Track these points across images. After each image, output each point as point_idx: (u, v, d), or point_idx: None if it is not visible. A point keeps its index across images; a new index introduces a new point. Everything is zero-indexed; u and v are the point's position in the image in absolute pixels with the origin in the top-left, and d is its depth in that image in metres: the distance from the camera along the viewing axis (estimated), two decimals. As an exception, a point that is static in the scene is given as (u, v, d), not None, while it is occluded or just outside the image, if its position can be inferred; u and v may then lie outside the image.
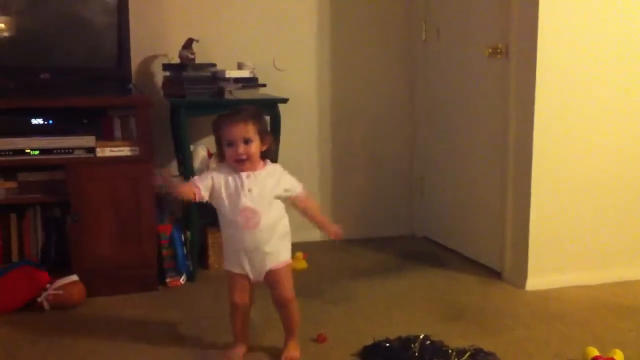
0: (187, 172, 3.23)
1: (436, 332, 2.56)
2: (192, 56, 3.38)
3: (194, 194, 2.24)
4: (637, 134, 3.25)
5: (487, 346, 2.45)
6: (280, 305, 2.40)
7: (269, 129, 2.49)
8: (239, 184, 2.26)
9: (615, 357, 2.37)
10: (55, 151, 2.99)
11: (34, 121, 3.04)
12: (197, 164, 3.35)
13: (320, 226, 2.51)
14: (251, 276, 2.33)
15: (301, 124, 3.87)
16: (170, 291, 3.16)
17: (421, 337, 2.45)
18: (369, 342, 2.50)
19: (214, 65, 3.44)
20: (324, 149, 4.00)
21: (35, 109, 3.02)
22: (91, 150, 3.03)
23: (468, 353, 2.38)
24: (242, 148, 2.23)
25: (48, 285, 2.89)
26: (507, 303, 3.03)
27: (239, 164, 2.26)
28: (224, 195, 2.27)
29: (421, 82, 4.03)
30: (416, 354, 2.37)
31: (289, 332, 2.44)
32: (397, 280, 3.32)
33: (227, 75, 3.33)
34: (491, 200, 3.43)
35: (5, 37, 3.04)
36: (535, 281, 3.18)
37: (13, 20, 3.07)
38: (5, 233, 3.11)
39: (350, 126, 4.02)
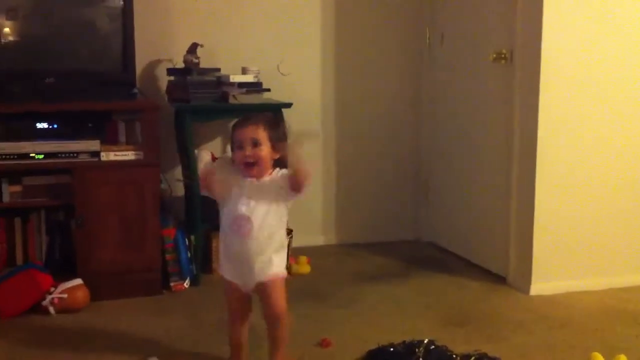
0: (191, 176, 3.23)
1: (441, 337, 2.55)
2: (197, 61, 3.39)
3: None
4: (642, 139, 3.25)
5: (491, 351, 2.45)
6: (268, 319, 2.28)
7: (289, 135, 2.34)
8: (241, 190, 2.19)
9: (620, 363, 2.37)
10: (59, 155, 3.00)
11: (39, 125, 3.05)
12: (201, 168, 3.35)
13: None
14: (240, 286, 2.25)
15: (305, 128, 3.86)
16: (174, 295, 3.16)
17: (425, 342, 2.44)
18: (374, 346, 2.49)
19: (218, 70, 3.44)
20: (328, 154, 3.99)
21: (40, 113, 3.03)
22: (96, 154, 3.03)
23: (472, 358, 2.37)
24: (249, 150, 2.15)
25: (52, 289, 2.89)
26: (512, 308, 3.02)
27: (246, 169, 2.18)
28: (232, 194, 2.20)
29: (426, 87, 4.03)
30: (420, 359, 2.36)
31: (274, 347, 2.30)
32: (401, 285, 3.32)
33: (231, 80, 3.34)
34: (496, 205, 3.42)
35: (10, 41, 3.06)
36: (540, 286, 3.18)
37: (18, 24, 3.09)
38: (9, 236, 3.11)
39: (354, 131, 4.01)
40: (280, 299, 2.24)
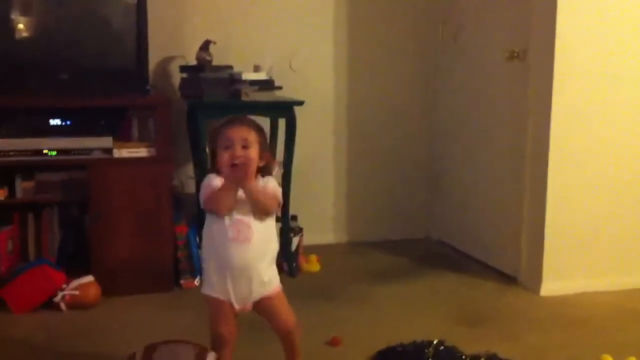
0: (203, 173, 3.23)
1: (451, 337, 2.54)
2: (209, 58, 3.39)
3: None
4: (656, 139, 3.23)
5: (502, 352, 2.44)
6: (281, 333, 2.16)
7: (269, 145, 2.27)
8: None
9: (631, 364, 2.36)
10: (72, 152, 3.02)
11: (52, 122, 3.07)
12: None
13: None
14: (235, 304, 2.07)
15: (317, 126, 3.87)
16: (184, 292, 3.17)
17: (435, 342, 2.44)
18: (383, 346, 2.49)
19: (230, 67, 3.45)
20: (340, 151, 3.99)
21: (54, 109, 3.05)
22: (108, 151, 3.05)
23: (482, 359, 2.37)
24: (239, 151, 2.00)
25: (64, 285, 2.91)
26: (524, 308, 3.01)
27: (232, 170, 2.00)
28: None
29: (439, 84, 4.01)
30: (430, 359, 2.36)
31: (294, 356, 2.20)
32: (411, 284, 3.31)
33: (243, 78, 3.34)
34: (507, 204, 3.41)
35: (24, 37, 3.08)
36: (551, 286, 3.16)
37: (32, 20, 3.10)
38: (22, 232, 3.14)
39: (366, 128, 4.01)
40: (288, 312, 2.15)
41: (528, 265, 3.26)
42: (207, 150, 2.13)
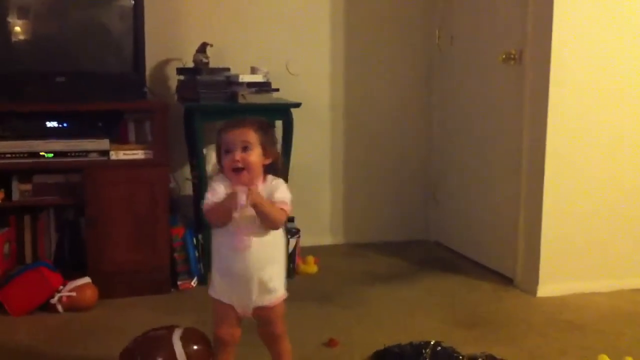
0: (201, 176, 3.24)
1: (448, 338, 2.55)
2: (206, 60, 3.40)
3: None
4: (652, 141, 3.24)
5: (499, 353, 2.45)
6: (266, 339, 2.14)
7: (278, 142, 2.22)
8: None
9: (627, 365, 2.36)
10: (69, 154, 3.01)
11: (49, 124, 3.07)
12: (209, 167, 3.36)
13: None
14: (237, 309, 2.06)
15: (314, 128, 3.87)
16: (181, 294, 3.17)
17: (432, 343, 2.44)
18: (380, 347, 2.49)
19: (227, 69, 3.45)
20: (337, 154, 4.00)
21: (51, 112, 3.05)
22: (105, 153, 3.05)
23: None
24: (239, 155, 1.96)
25: (61, 287, 2.91)
26: (519, 310, 3.01)
27: (235, 175, 1.98)
28: None
29: (435, 88, 4.02)
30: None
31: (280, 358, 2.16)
32: (409, 286, 3.32)
33: (240, 80, 3.34)
34: (504, 206, 3.42)
35: (21, 40, 3.08)
36: (548, 288, 3.17)
37: (30, 24, 3.11)
38: (19, 235, 3.14)
39: (364, 131, 4.02)
40: (281, 324, 2.11)
41: (525, 267, 3.27)
42: (215, 151, 2.12)
